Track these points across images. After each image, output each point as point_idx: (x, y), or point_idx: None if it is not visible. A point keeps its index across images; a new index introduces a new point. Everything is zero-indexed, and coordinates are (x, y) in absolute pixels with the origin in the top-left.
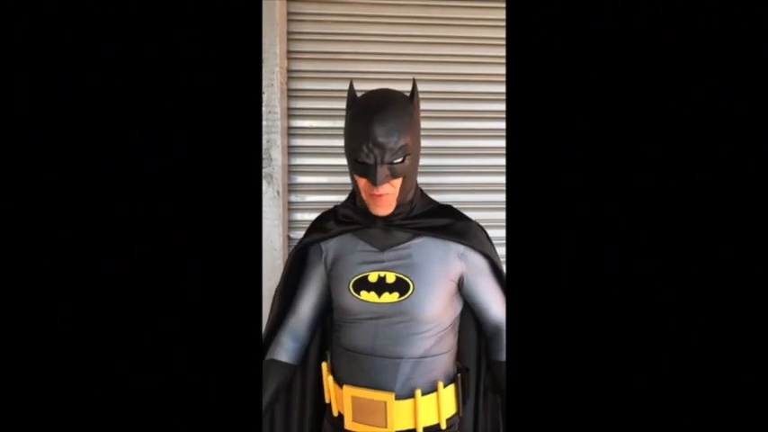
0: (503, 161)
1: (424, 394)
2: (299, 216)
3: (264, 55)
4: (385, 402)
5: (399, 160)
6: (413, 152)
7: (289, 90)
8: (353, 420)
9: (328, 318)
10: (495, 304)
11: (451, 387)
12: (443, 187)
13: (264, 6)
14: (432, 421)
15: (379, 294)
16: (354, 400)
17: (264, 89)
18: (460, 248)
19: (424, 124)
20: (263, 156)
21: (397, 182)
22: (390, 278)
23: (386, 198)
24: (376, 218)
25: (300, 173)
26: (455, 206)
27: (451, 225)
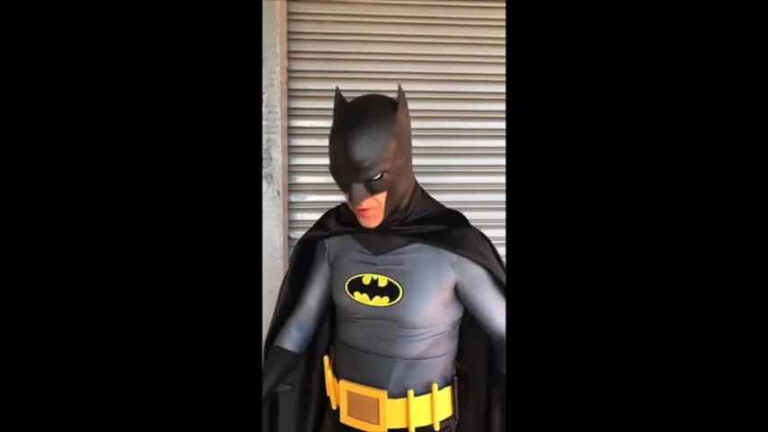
0: (503, 161)
1: (417, 395)
2: (299, 216)
3: (264, 55)
4: (378, 399)
5: (377, 177)
6: (394, 166)
7: (289, 90)
8: (348, 414)
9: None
10: (497, 315)
11: (447, 389)
12: (443, 187)
13: (264, 6)
14: (424, 422)
15: (371, 297)
16: (350, 394)
17: (264, 89)
18: (453, 257)
19: (424, 124)
20: (264, 156)
21: (381, 196)
22: (382, 282)
23: (371, 212)
24: None
25: (300, 173)
26: (455, 206)
27: (447, 232)
